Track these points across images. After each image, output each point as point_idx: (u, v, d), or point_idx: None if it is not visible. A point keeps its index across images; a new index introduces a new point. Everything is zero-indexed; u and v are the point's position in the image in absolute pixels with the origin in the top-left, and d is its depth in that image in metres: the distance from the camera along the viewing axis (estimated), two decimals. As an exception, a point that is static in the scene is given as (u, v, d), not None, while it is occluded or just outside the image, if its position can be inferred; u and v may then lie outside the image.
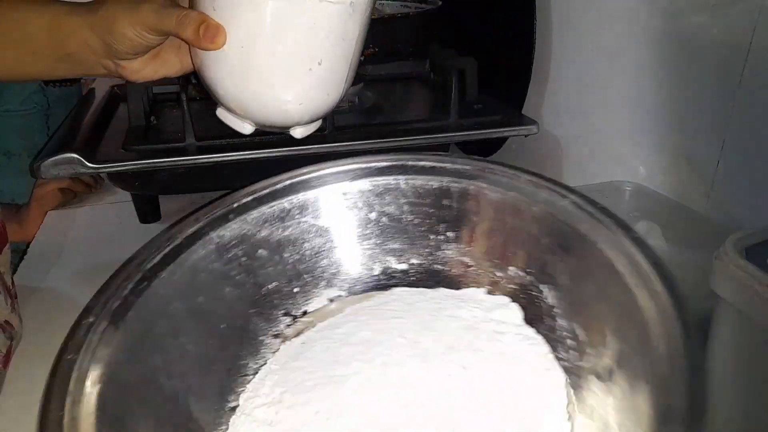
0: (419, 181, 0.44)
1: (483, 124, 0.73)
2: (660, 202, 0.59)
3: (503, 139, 0.85)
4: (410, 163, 0.45)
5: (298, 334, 0.43)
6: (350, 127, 0.70)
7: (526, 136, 0.75)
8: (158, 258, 0.38)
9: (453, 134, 0.72)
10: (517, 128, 0.74)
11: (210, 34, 0.40)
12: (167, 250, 0.38)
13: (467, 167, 0.44)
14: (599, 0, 0.66)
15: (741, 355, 0.37)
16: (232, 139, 0.62)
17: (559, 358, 0.37)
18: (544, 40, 0.75)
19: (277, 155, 0.64)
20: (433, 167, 0.44)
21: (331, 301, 0.45)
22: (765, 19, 0.48)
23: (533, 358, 0.37)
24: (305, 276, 0.44)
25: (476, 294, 0.43)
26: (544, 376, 0.36)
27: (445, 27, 0.80)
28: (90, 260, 0.63)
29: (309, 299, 0.44)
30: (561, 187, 0.40)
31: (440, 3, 0.76)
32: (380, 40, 0.69)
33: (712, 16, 0.53)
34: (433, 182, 0.44)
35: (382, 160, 0.45)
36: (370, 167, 0.45)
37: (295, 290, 0.44)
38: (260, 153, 0.63)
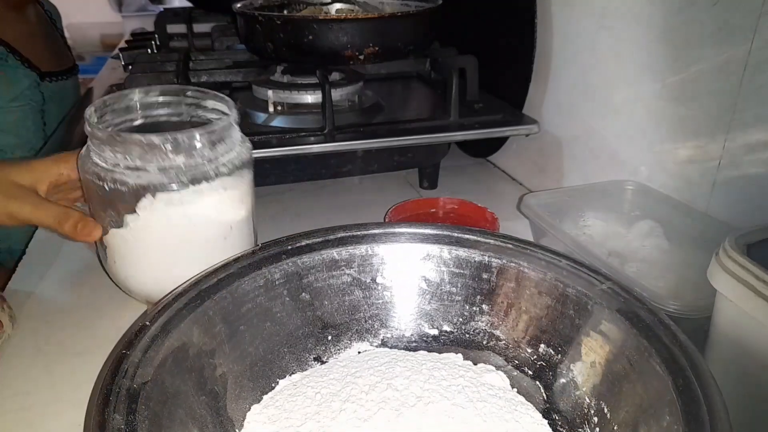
0: (462, 252, 0.46)
1: (484, 124, 0.73)
2: (662, 200, 0.59)
3: (504, 139, 0.85)
4: (456, 234, 0.47)
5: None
6: (350, 127, 0.70)
7: (526, 135, 0.75)
8: (213, 281, 0.41)
9: (453, 133, 0.71)
10: (517, 128, 0.74)
11: (87, 230, 0.49)
12: (222, 275, 0.42)
13: (509, 245, 0.46)
14: (600, -2, 0.66)
15: (740, 350, 0.37)
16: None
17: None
18: (545, 39, 0.75)
19: (276, 155, 0.64)
20: (477, 241, 0.46)
21: (359, 353, 0.47)
22: (766, 20, 0.48)
23: (526, 422, 0.40)
24: (340, 326, 0.47)
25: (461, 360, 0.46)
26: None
27: (445, 25, 0.80)
28: (87, 262, 0.62)
29: (340, 349, 0.47)
30: (598, 274, 0.42)
31: (441, 1, 0.76)
32: (381, 38, 0.69)
33: (713, 16, 0.52)
34: (475, 255, 0.46)
35: (430, 229, 0.48)
36: (417, 233, 0.48)
37: (329, 338, 0.46)
38: (257, 154, 0.63)
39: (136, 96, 0.52)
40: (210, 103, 0.53)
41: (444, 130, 0.71)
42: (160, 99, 0.53)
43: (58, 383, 0.47)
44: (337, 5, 0.81)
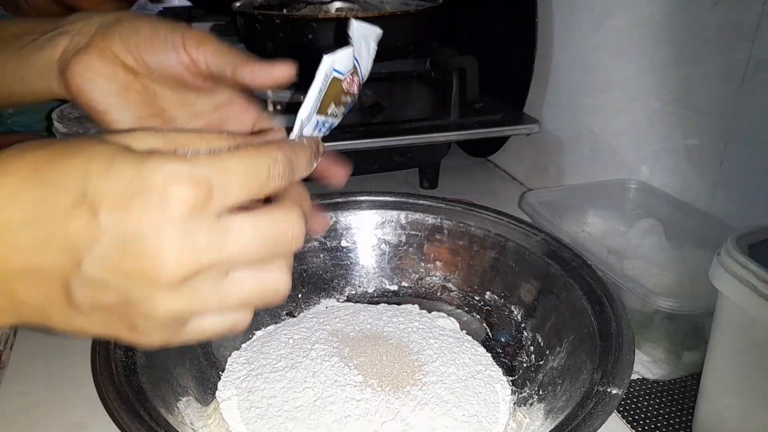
0: (417, 216, 0.53)
1: (484, 123, 0.72)
2: (664, 199, 0.59)
3: (504, 138, 0.85)
4: (410, 201, 0.53)
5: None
6: (350, 126, 0.70)
7: (527, 135, 0.75)
8: None
9: (453, 133, 0.71)
10: (518, 127, 0.74)
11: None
12: None
13: (458, 208, 0.52)
14: (600, -2, 0.66)
15: (742, 351, 0.37)
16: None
17: (520, 361, 0.45)
18: (545, 39, 0.75)
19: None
20: (430, 206, 0.53)
21: (327, 308, 0.52)
22: (767, 19, 0.48)
23: (472, 354, 0.46)
24: (309, 285, 0.52)
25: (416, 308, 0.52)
26: (483, 364, 0.45)
27: (445, 25, 0.80)
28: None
29: (309, 305, 0.52)
30: (533, 228, 0.49)
31: (441, 1, 0.76)
32: (381, 37, 0.69)
33: (714, 15, 0.52)
34: (429, 218, 0.52)
35: (388, 196, 0.54)
36: (377, 200, 0.53)
37: (299, 295, 0.52)
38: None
39: None
40: None
41: (444, 129, 0.71)
42: None
43: (58, 383, 0.47)
44: (337, 4, 0.81)
